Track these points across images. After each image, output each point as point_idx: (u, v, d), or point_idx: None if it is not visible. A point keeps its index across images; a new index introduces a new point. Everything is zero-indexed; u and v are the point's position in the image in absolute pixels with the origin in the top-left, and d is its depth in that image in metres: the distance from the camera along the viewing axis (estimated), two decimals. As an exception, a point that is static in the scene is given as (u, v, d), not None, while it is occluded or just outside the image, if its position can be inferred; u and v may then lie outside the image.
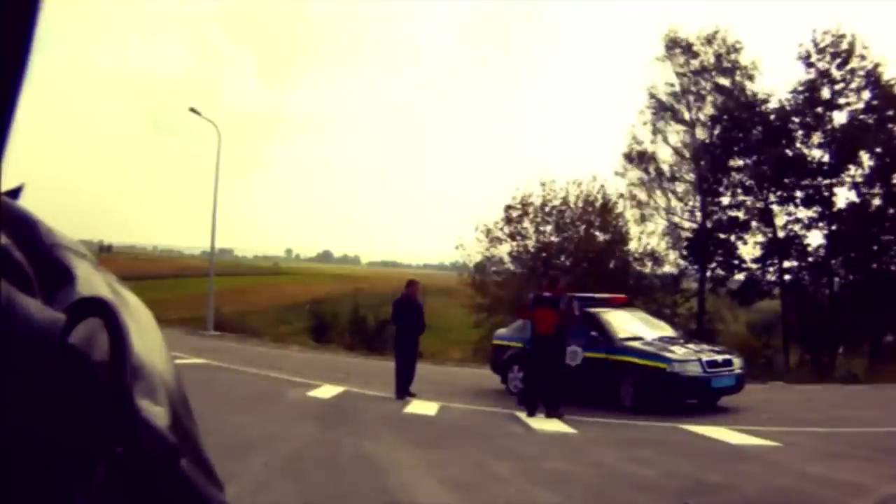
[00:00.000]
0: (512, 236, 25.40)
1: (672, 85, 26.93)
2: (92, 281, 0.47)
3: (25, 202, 0.51)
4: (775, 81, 34.22)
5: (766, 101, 25.78)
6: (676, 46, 26.93)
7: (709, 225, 26.32)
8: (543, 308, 11.02)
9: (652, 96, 27.21)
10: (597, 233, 25.09)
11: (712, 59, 26.61)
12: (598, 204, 25.28)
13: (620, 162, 27.32)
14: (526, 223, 25.37)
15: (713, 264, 26.23)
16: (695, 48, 26.68)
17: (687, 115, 27.03)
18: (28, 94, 0.39)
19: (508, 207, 25.25)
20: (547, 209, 25.29)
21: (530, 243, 25.29)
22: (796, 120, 24.99)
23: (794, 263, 25.49)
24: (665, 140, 27.19)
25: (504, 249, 25.57)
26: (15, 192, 0.51)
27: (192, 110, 25.66)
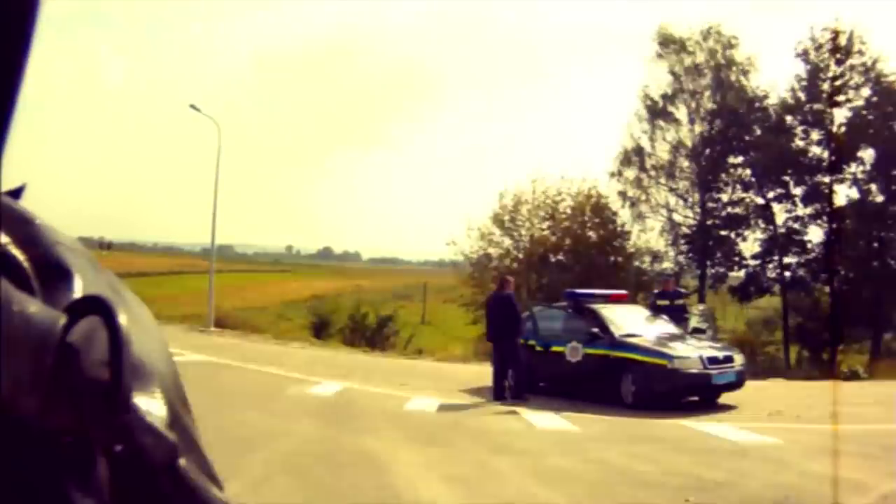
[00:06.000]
0: (508, 231, 25.38)
1: (667, 86, 26.99)
2: (91, 279, 0.47)
3: (25, 200, 0.51)
4: (774, 77, 34.19)
5: (764, 98, 25.80)
6: (669, 44, 26.94)
7: (708, 222, 26.35)
8: None
9: (646, 95, 27.28)
10: (590, 232, 25.01)
11: (707, 56, 26.63)
12: (592, 201, 25.23)
13: (616, 161, 27.37)
14: (520, 219, 25.35)
15: (713, 261, 26.30)
16: (689, 46, 26.70)
17: (684, 112, 27.07)
18: (27, 92, 0.39)
19: (497, 211, 25.25)
20: (536, 205, 25.25)
21: (524, 240, 25.26)
22: (797, 117, 25.01)
23: (795, 260, 25.53)
24: (663, 138, 27.24)
25: (504, 245, 25.54)
26: (17, 192, 0.51)
27: (193, 107, 25.64)
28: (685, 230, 27.12)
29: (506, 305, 12.03)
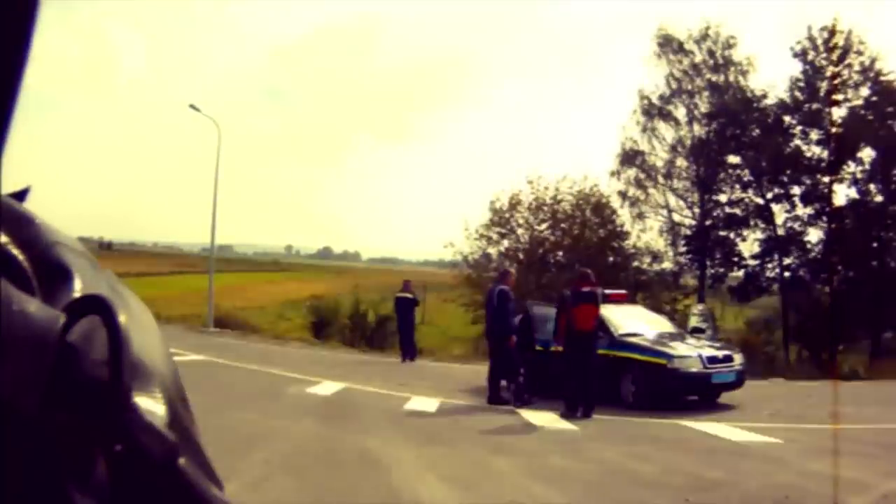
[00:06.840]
0: (503, 235, 25.42)
1: (666, 84, 27.01)
2: (90, 279, 0.47)
3: (26, 201, 0.51)
4: (773, 77, 34.20)
5: (762, 97, 25.80)
6: (668, 44, 26.96)
7: (708, 222, 26.36)
8: (585, 304, 11.03)
9: (644, 96, 27.30)
10: (589, 232, 24.99)
11: (705, 56, 26.64)
12: (592, 200, 25.23)
13: (616, 160, 27.43)
14: (519, 219, 25.34)
15: (712, 261, 26.32)
16: (687, 46, 26.72)
17: (682, 113, 27.09)
18: (27, 93, 0.39)
19: (494, 211, 25.26)
20: (536, 206, 25.23)
21: (523, 239, 25.27)
22: (796, 117, 24.99)
23: (794, 260, 25.53)
24: (661, 139, 27.27)
25: (502, 245, 25.56)
26: (21, 195, 0.52)
27: (192, 107, 25.63)
28: (685, 230, 27.14)
29: (500, 299, 11.85)
